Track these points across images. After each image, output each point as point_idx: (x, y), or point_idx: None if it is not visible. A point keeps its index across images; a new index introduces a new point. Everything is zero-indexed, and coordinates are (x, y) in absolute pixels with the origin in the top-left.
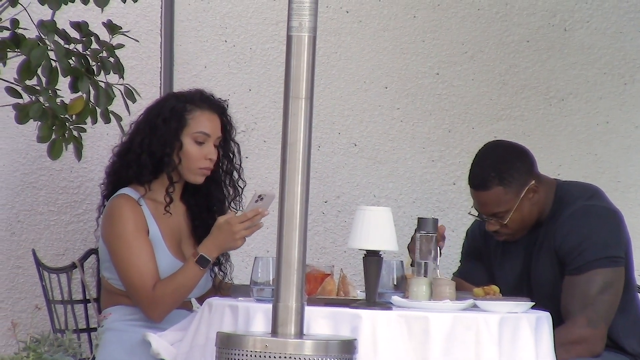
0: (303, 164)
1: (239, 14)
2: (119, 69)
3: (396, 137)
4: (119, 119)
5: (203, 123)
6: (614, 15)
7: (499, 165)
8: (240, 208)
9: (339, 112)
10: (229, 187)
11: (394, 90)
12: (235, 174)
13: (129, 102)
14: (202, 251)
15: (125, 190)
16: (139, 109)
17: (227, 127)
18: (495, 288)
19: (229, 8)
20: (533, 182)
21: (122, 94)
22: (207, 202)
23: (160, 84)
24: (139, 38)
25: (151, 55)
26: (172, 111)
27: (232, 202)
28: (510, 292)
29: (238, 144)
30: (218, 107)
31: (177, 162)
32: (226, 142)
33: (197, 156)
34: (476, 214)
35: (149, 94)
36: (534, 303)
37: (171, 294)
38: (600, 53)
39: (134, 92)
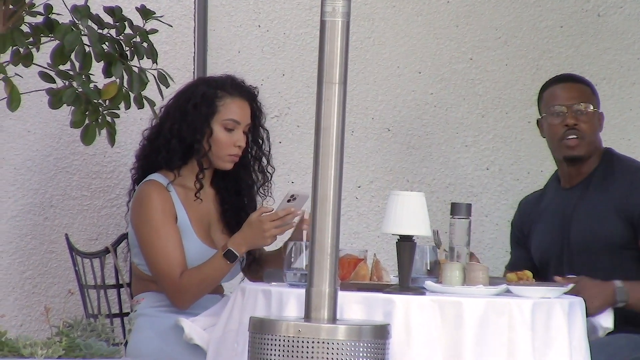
0: (336, 148)
1: None
2: (152, 54)
3: (429, 122)
4: (152, 104)
5: (233, 110)
6: None
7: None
8: (269, 194)
9: (373, 97)
10: (258, 173)
11: (428, 75)
12: (264, 160)
13: (162, 87)
14: (231, 245)
15: (154, 176)
16: (171, 93)
17: (256, 114)
18: (528, 273)
19: None
20: (602, 115)
21: (155, 79)
22: (236, 187)
23: (194, 69)
24: (173, 23)
25: (184, 40)
26: (203, 97)
27: (260, 188)
28: (545, 258)
29: (267, 130)
30: (249, 94)
31: (207, 148)
32: (255, 128)
33: (226, 143)
34: (547, 125)
35: (182, 79)
36: (568, 288)
37: (197, 284)
38: (634, 38)
39: (168, 77)
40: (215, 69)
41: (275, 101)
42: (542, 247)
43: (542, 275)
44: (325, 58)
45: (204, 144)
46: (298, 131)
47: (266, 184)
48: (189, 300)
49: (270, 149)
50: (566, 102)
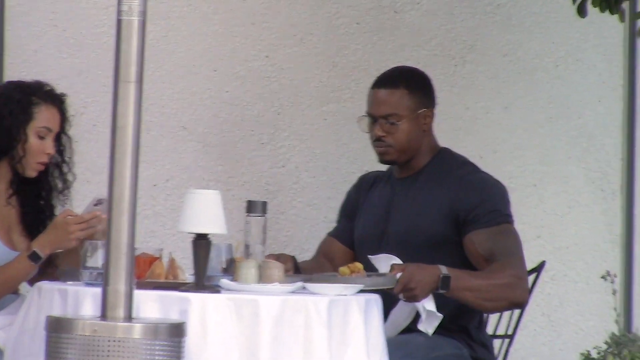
0: (132, 147)
1: None
2: None
3: (225, 120)
4: None
5: (47, 118)
6: None
7: (413, 75)
8: (68, 202)
9: (169, 96)
10: (57, 180)
11: (223, 73)
12: (66, 167)
13: None
14: (36, 247)
15: None
16: None
17: (63, 121)
18: (359, 265)
19: None
20: (431, 112)
21: None
22: (36, 190)
23: None
24: None
25: None
26: (19, 103)
27: (60, 195)
28: (364, 241)
29: (71, 138)
30: (59, 101)
31: (22, 154)
32: (59, 135)
33: (37, 150)
34: (365, 124)
35: None
36: (362, 286)
37: (0, 285)
38: (430, 35)
39: None
40: (12, 69)
41: (71, 101)
42: (363, 230)
43: (359, 258)
44: (122, 57)
45: (19, 150)
46: (95, 130)
47: (65, 191)
48: None
49: (72, 156)
50: (373, 111)
